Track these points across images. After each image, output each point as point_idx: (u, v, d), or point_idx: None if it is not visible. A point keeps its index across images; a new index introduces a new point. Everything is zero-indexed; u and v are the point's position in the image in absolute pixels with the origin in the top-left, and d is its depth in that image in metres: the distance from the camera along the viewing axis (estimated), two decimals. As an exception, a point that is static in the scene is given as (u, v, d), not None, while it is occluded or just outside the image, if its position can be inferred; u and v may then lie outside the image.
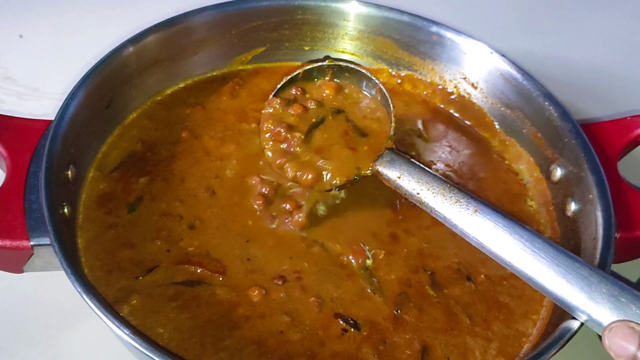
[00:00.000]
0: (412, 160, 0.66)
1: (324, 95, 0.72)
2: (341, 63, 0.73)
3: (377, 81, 0.71)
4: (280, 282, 0.64)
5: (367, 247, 0.68)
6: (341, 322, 0.62)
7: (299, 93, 0.72)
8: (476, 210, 0.61)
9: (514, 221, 0.60)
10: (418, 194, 0.63)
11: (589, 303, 0.54)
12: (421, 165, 0.66)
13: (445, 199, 0.62)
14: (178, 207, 0.69)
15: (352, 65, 0.73)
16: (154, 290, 0.62)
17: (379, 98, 0.72)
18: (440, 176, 0.65)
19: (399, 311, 0.64)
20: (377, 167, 0.66)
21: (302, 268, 0.66)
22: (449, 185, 0.63)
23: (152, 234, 0.66)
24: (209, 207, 0.69)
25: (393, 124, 0.69)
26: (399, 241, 0.69)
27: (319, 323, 0.62)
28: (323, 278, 0.65)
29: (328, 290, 0.65)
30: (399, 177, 0.65)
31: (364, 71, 0.72)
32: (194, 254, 0.65)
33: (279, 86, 0.72)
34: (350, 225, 0.70)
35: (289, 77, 0.72)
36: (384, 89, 0.70)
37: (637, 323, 0.51)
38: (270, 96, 0.71)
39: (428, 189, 0.63)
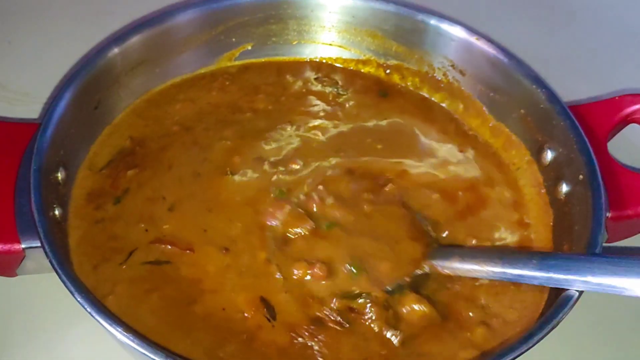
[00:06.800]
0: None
1: None
2: None
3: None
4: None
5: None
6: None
7: None
8: (536, 263, 0.60)
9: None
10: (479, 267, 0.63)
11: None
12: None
13: (504, 264, 0.61)
14: (161, 190, 0.69)
15: None
16: (132, 274, 0.62)
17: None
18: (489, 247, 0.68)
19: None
20: (432, 261, 0.66)
21: None
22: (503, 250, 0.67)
23: (135, 218, 0.66)
24: (190, 187, 0.70)
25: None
26: None
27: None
28: None
29: None
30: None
31: None
32: (167, 232, 0.66)
33: None
34: None
35: None
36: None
37: None
38: None
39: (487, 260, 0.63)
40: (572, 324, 0.58)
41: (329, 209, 0.68)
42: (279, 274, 0.64)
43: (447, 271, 0.65)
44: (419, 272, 0.65)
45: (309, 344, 0.60)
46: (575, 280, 0.57)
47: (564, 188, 0.70)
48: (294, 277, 0.64)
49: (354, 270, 0.64)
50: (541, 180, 0.74)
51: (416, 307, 0.62)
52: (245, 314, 0.61)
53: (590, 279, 0.56)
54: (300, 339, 0.60)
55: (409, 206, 0.71)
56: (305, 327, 0.61)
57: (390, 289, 0.63)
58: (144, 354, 0.51)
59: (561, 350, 0.68)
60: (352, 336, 0.61)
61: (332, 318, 0.62)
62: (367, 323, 0.61)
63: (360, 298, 0.63)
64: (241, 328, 0.60)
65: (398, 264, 0.65)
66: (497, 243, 0.70)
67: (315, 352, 0.59)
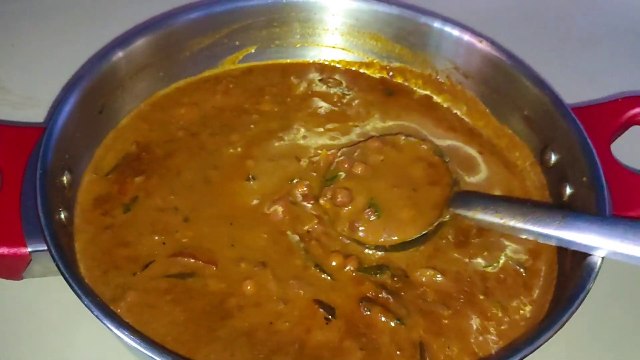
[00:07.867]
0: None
1: None
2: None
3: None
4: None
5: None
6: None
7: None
8: (559, 224, 0.62)
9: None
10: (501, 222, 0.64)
11: None
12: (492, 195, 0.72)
13: (527, 222, 0.63)
14: (173, 200, 0.69)
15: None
16: (149, 285, 0.62)
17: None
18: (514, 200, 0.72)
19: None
20: (454, 210, 0.68)
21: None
22: (527, 206, 0.67)
23: (148, 229, 0.66)
24: (203, 196, 0.70)
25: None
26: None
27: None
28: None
29: None
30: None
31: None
32: (188, 245, 0.65)
33: None
34: None
35: None
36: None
37: None
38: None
39: (510, 215, 0.64)
40: (574, 324, 0.58)
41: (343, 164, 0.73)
42: (325, 274, 0.65)
43: (468, 221, 0.68)
44: (442, 219, 0.68)
45: (364, 332, 0.61)
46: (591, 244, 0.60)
47: (568, 190, 0.70)
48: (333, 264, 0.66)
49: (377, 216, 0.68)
50: (545, 182, 0.74)
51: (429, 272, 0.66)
52: (286, 323, 0.61)
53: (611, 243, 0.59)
54: (359, 326, 0.61)
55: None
56: (362, 312, 0.62)
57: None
58: (152, 357, 0.51)
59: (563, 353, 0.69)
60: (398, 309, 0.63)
61: (381, 296, 0.63)
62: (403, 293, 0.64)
63: (382, 273, 0.65)
64: (290, 338, 0.60)
65: (420, 211, 0.68)
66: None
67: (371, 338, 0.61)
